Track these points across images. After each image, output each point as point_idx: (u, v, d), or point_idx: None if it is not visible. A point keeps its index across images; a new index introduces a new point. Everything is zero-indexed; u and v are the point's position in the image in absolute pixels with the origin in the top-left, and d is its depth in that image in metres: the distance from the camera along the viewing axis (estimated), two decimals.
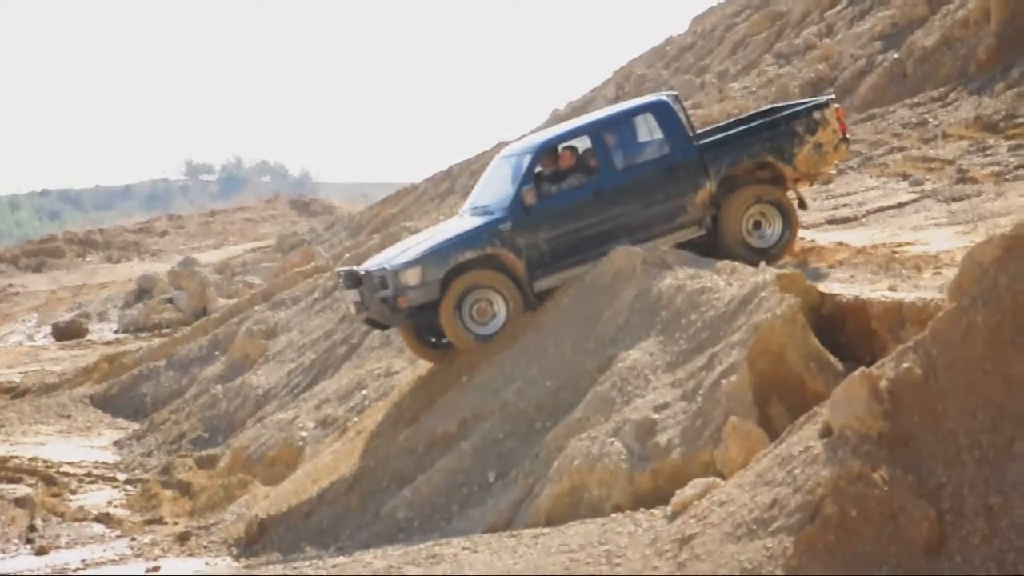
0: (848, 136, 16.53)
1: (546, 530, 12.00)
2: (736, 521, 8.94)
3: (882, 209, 20.35)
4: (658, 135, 16.07)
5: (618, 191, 15.82)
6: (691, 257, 15.30)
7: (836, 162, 16.78)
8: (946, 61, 28.60)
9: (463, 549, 12.01)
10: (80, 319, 38.50)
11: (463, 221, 16.22)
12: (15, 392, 26.49)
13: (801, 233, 18.70)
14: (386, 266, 15.46)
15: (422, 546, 12.50)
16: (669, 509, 10.50)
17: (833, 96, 17.51)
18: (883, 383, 8.84)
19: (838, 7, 38.27)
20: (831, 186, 23.74)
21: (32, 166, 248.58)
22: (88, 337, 36.10)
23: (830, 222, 20.15)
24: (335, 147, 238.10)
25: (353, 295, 15.87)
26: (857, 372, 8.95)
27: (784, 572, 8.23)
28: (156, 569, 14.05)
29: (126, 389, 24.95)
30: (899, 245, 16.53)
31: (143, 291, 40.58)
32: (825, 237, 18.09)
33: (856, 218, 20.12)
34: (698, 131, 16.91)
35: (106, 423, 23.67)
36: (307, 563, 13.13)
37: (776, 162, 16.19)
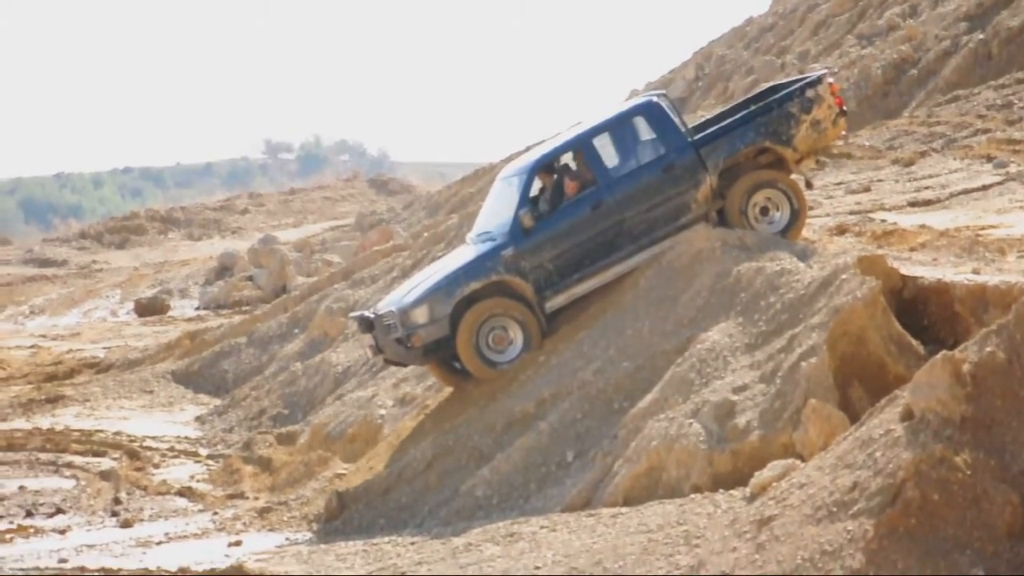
0: (845, 109, 16.27)
1: (624, 510, 12.04)
2: (816, 503, 8.92)
3: (966, 191, 20.17)
4: (651, 137, 15.92)
5: (617, 199, 15.67)
6: (771, 239, 15.24)
7: (838, 137, 16.52)
8: None
9: (541, 528, 12.08)
10: (162, 296, 38.92)
11: (468, 250, 16.19)
12: (99, 367, 26.86)
13: (883, 215, 18.57)
14: (394, 308, 15.51)
15: (500, 524, 12.58)
16: (748, 490, 10.49)
17: (826, 71, 17.27)
18: (966, 367, 8.78)
19: None
20: (913, 168, 23.56)
21: (115, 144, 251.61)
22: (170, 313, 36.50)
23: (912, 204, 20.00)
24: (413, 126, 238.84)
25: (368, 339, 15.95)
26: (939, 355, 8.88)
27: (864, 555, 8.20)
28: (238, 543, 14.21)
29: (207, 365, 25.21)
30: (983, 228, 16.38)
31: (224, 268, 40.93)
32: (907, 220, 17.96)
33: (939, 200, 19.95)
34: (693, 124, 16.75)
35: (188, 399, 23.94)
36: (387, 539, 13.26)
37: (774, 146, 15.94)
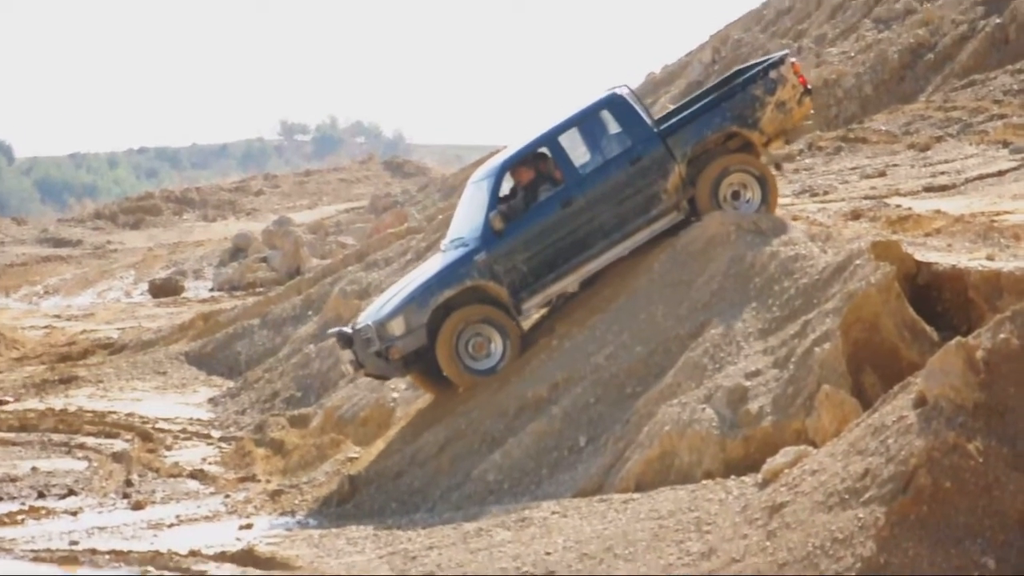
0: (810, 88, 16.19)
1: (636, 495, 12.03)
2: (828, 490, 8.90)
3: (981, 177, 20.12)
4: (618, 130, 15.84)
5: (586, 195, 15.59)
6: (785, 224, 15.19)
7: (804, 116, 16.43)
8: None
9: (553, 513, 12.07)
10: (176, 277, 38.96)
11: (442, 257, 16.12)
12: (113, 348, 26.87)
13: (897, 201, 18.52)
14: (370, 322, 15.45)
15: (512, 509, 12.58)
16: (760, 477, 10.48)
17: (787, 52, 17.23)
18: (979, 353, 8.75)
19: None
20: (929, 153, 23.48)
21: (130, 124, 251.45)
22: (184, 295, 36.54)
23: (927, 190, 19.94)
24: (429, 108, 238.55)
25: (348, 355, 15.84)
26: (953, 342, 8.86)
27: (875, 543, 8.18)
28: (249, 526, 14.22)
29: (221, 347, 25.19)
30: (998, 214, 16.32)
31: (238, 250, 40.94)
32: (922, 205, 17.90)
33: (954, 186, 19.90)
34: (659, 116, 16.71)
35: (201, 380, 23.95)
36: (398, 523, 13.26)
37: (741, 130, 15.85)
